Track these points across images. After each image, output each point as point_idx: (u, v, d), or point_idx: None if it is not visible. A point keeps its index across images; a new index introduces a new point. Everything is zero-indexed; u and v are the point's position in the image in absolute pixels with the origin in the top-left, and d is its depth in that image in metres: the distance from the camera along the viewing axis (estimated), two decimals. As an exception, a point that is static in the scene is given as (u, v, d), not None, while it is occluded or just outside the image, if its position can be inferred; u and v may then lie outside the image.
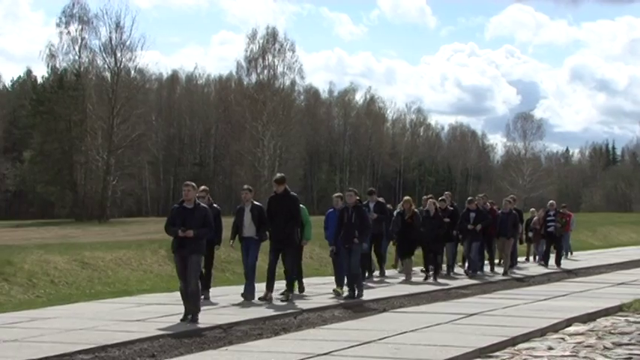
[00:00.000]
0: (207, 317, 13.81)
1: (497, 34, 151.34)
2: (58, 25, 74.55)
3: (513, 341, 11.81)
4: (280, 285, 16.49)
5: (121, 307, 15.12)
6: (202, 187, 16.04)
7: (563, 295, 17.89)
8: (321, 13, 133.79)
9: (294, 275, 16.68)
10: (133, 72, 74.54)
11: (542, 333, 12.67)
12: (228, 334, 12.55)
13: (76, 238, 31.86)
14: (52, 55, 75.54)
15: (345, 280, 16.78)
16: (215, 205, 16.17)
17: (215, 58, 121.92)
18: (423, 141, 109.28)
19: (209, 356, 10.70)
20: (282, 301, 15.80)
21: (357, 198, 17.12)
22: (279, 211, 15.99)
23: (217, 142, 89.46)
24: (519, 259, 27.84)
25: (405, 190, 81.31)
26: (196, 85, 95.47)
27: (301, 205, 16.93)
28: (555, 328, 13.15)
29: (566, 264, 26.96)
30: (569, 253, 30.95)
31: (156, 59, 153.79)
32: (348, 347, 11.10)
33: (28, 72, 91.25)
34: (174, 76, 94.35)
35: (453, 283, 20.07)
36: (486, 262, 23.80)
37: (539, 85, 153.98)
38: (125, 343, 11.53)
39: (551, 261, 26.25)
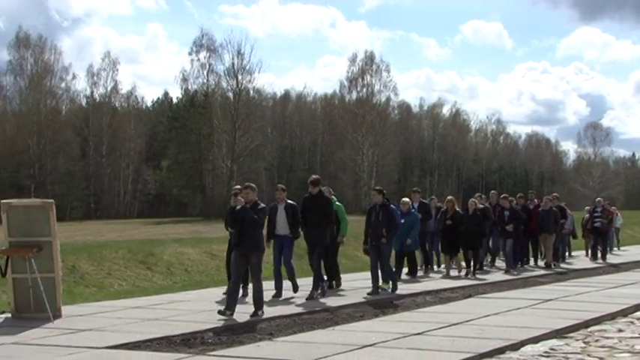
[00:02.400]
0: (313, 302, 13.83)
1: (568, 53, 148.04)
2: (189, 53, 76.20)
3: (586, 324, 11.54)
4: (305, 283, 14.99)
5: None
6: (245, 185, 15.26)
7: (632, 284, 17.39)
8: (411, 38, 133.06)
9: (320, 271, 14.74)
10: (251, 92, 75.63)
11: (612, 317, 12.34)
12: (334, 316, 12.54)
13: (205, 234, 32.34)
14: (184, 79, 77.29)
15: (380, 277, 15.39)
16: (291, 201, 14.72)
17: (320, 78, 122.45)
18: (502, 148, 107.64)
19: (319, 334, 10.72)
20: (314, 298, 14.22)
21: (385, 197, 15.50)
22: (313, 211, 14.46)
23: (323, 151, 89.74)
24: (575, 253, 27.00)
25: (487, 191, 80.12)
26: (305, 102, 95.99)
27: (338, 203, 15.88)
28: (625, 312, 12.81)
29: (611, 258, 25.86)
30: (614, 248, 29.88)
31: (270, 81, 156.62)
32: (438, 328, 10.99)
33: (165, 94, 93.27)
34: (286, 95, 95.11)
35: (490, 278, 18.68)
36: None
37: (606, 98, 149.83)
38: (247, 323, 11.61)
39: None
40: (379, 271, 15.28)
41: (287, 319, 12.05)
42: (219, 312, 11.76)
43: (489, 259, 21.72)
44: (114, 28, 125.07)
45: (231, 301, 11.90)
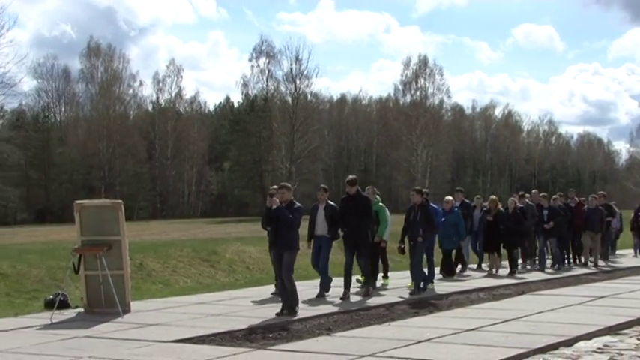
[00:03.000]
0: (372, 298, 13.81)
1: (619, 54, 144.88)
2: (249, 59, 76.55)
3: (639, 321, 11.30)
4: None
5: (302, 289, 15.18)
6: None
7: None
8: (463, 42, 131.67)
9: (369, 272, 14.42)
10: (309, 96, 75.68)
11: (664, 314, 12.07)
12: (390, 312, 12.52)
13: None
14: (245, 84, 77.82)
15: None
16: (332, 202, 14.32)
17: (375, 82, 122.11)
18: (554, 148, 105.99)
19: (375, 330, 10.69)
20: (362, 295, 13.98)
21: (424, 198, 15.09)
22: (352, 212, 13.85)
23: (378, 152, 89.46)
24: (622, 251, 26.22)
25: (540, 190, 78.96)
26: (360, 105, 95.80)
27: (380, 204, 15.36)
28: (677, 309, 12.52)
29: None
30: None
31: (327, 85, 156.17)
32: (493, 324, 10.88)
33: (227, 98, 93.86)
34: (342, 98, 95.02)
35: (530, 277, 18.04)
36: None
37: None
38: (306, 318, 11.68)
39: None
40: (423, 270, 15.02)
41: (344, 315, 12.05)
42: (277, 314, 11.69)
43: (534, 259, 20.85)
44: (178, 36, 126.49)
45: (285, 300, 11.88)
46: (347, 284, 13.85)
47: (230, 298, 13.99)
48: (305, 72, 72.48)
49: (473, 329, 10.44)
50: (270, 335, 10.34)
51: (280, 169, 72.70)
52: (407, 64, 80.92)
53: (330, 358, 8.64)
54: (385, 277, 16.00)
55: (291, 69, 72.79)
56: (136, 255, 16.80)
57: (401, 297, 14.12)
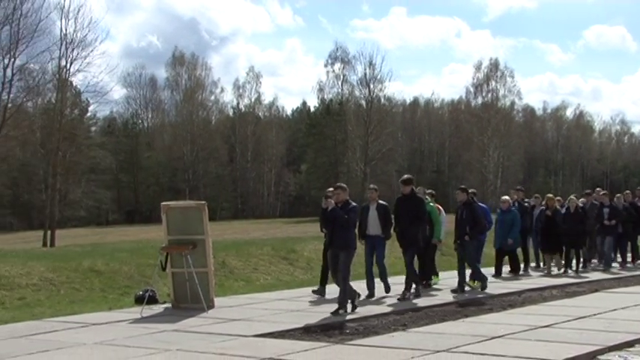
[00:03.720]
0: (444, 295, 13.68)
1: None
2: (325, 65, 77.13)
3: None
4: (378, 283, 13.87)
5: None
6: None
7: None
8: (534, 44, 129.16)
9: (414, 274, 13.59)
10: (382, 99, 75.61)
11: None
12: (464, 309, 12.36)
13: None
14: (321, 89, 78.38)
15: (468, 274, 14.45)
16: (383, 202, 13.67)
17: (447, 85, 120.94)
18: (627, 147, 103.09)
19: (449, 326, 10.57)
20: (398, 299, 13.06)
21: (470, 196, 14.56)
22: (405, 212, 13.25)
23: (450, 153, 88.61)
24: None
25: (612, 189, 77.11)
26: (433, 107, 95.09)
27: (432, 204, 14.75)
28: None
29: None
30: None
31: (400, 89, 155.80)
32: (566, 321, 10.64)
33: (303, 103, 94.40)
34: (415, 102, 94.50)
35: (591, 276, 17.21)
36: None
37: None
38: (381, 314, 11.62)
39: None
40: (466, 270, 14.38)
41: (419, 312, 11.95)
42: (332, 313, 11.37)
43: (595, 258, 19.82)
44: (256, 44, 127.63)
45: (342, 300, 11.55)
46: (407, 285, 13.27)
47: (308, 295, 13.99)
48: (379, 76, 72.61)
49: (546, 326, 10.22)
50: (347, 330, 10.33)
51: (355, 170, 72.74)
52: (478, 67, 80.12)
53: (405, 354, 8.57)
54: (435, 276, 15.34)
55: (365, 74, 72.96)
56: (219, 253, 16.99)
57: (454, 296, 13.69)
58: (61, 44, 47.66)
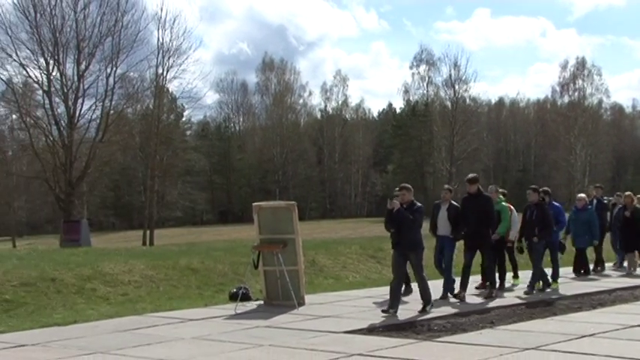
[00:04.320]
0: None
1: None
2: (410, 67, 76.89)
3: None
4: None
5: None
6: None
7: None
8: (621, 41, 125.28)
9: (493, 276, 13.17)
10: (467, 100, 74.70)
11: None
12: (552, 307, 12.08)
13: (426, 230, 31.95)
14: (406, 91, 78.18)
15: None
16: (455, 202, 13.17)
17: (532, 85, 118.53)
18: None
19: (538, 324, 10.35)
20: (484, 297, 12.73)
21: (541, 196, 13.85)
22: (472, 211, 12.64)
23: (536, 153, 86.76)
24: None
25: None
26: (518, 107, 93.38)
27: (503, 203, 13.94)
28: None
29: None
30: None
31: (485, 89, 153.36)
32: (658, 320, 10.28)
33: (389, 105, 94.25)
34: (500, 102, 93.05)
35: None
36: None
37: None
38: (469, 312, 11.46)
39: None
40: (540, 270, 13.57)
41: (507, 309, 11.74)
42: (383, 311, 11.06)
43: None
44: (343, 48, 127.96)
45: (394, 300, 11.18)
46: (463, 284, 12.76)
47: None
48: (463, 77, 71.80)
49: (637, 325, 9.89)
50: (435, 327, 10.24)
51: (441, 170, 72.10)
52: (564, 66, 78.35)
53: (493, 351, 8.44)
54: (515, 277, 14.81)
55: (450, 75, 72.24)
56: (308, 252, 17.07)
57: (519, 297, 13.04)
58: (158, 53, 49.07)
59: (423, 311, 11.20)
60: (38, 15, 42.32)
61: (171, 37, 49.53)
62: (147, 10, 56.37)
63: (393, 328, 10.21)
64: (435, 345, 9.03)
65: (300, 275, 12.65)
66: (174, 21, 50.31)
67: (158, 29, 49.66)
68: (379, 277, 17.47)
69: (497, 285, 13.35)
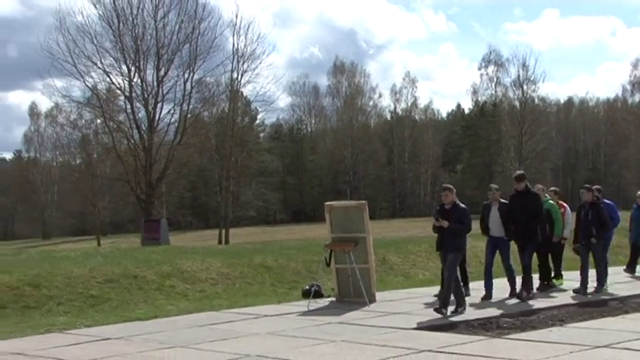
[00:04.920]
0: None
1: None
2: (479, 68, 75.99)
3: None
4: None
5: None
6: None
7: None
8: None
9: (530, 270, 12.40)
10: (536, 100, 73.40)
11: None
12: (624, 305, 11.75)
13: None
14: (474, 92, 77.26)
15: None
16: (505, 201, 12.52)
17: (601, 84, 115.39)
18: None
19: (608, 322, 10.11)
20: (518, 298, 12.18)
21: (596, 195, 13.16)
22: (520, 209, 12.17)
23: (606, 152, 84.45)
24: None
25: None
26: (587, 106, 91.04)
27: (551, 202, 13.51)
28: None
29: None
30: None
31: (553, 89, 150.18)
32: None
33: (458, 105, 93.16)
34: (569, 101, 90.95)
35: None
36: None
37: None
38: (538, 309, 11.30)
39: None
40: (589, 272, 12.86)
41: (576, 307, 11.50)
42: (435, 310, 10.71)
43: None
44: (411, 50, 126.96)
45: (444, 299, 10.85)
46: (525, 283, 12.31)
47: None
48: (532, 78, 70.54)
49: None
50: (505, 325, 10.09)
51: (509, 169, 70.86)
52: (635, 65, 76.28)
53: (564, 349, 8.27)
54: (558, 277, 14.01)
55: (519, 75, 71.14)
56: (379, 250, 17.05)
57: (572, 298, 12.54)
58: (233, 58, 49.61)
59: (456, 312, 10.82)
60: (121, 24, 43.43)
61: (246, 42, 50.07)
62: (222, 17, 57.10)
63: (462, 325, 10.11)
64: (504, 342, 8.90)
65: (371, 273, 12.64)
66: (248, 27, 50.75)
67: (233, 35, 50.24)
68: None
69: (537, 285, 12.76)
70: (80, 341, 9.44)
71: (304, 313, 11.44)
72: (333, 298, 12.83)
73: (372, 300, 12.36)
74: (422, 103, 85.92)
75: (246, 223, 70.57)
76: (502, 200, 12.56)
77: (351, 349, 8.64)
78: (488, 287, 12.42)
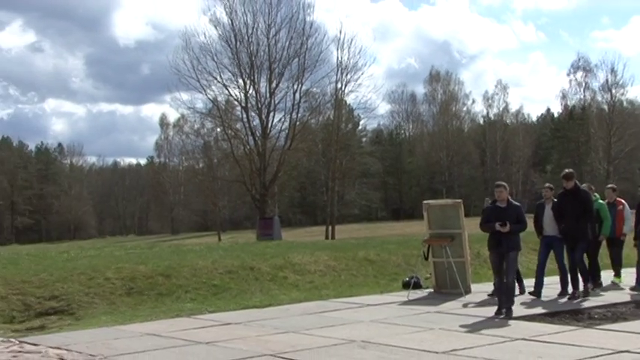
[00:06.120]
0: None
1: None
2: (567, 74, 73.40)
3: None
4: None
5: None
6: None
7: None
8: None
9: (584, 267, 11.62)
10: (624, 103, 70.49)
11: None
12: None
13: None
14: (563, 97, 74.69)
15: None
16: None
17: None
18: None
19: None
20: (568, 298, 11.34)
21: None
22: (571, 206, 11.18)
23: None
24: None
25: None
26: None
27: (600, 201, 12.46)
28: None
29: None
30: None
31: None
32: None
33: (547, 110, 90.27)
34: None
35: None
36: None
37: None
38: (629, 302, 10.87)
39: None
40: None
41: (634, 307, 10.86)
42: (496, 313, 9.83)
43: None
44: (502, 59, 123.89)
45: (502, 300, 9.98)
46: (574, 284, 11.46)
47: (548, 284, 13.26)
48: (620, 82, 67.58)
49: None
50: (596, 316, 9.73)
51: (598, 169, 68.34)
52: None
53: (654, 340, 7.89)
54: (617, 275, 13.03)
55: (607, 80, 68.26)
56: (474, 245, 16.72)
57: (629, 294, 11.71)
58: (337, 70, 49.78)
59: (499, 314, 9.84)
60: (238, 42, 44.43)
61: (349, 56, 50.11)
62: (327, 33, 57.25)
63: (554, 315, 9.81)
64: (595, 332, 8.58)
65: (467, 266, 12.48)
66: (351, 42, 50.72)
67: (337, 49, 50.38)
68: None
69: (585, 284, 11.58)
70: (205, 325, 9.72)
71: (404, 303, 11.39)
72: (431, 289, 12.74)
73: (468, 291, 12.20)
74: (513, 108, 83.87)
75: (350, 220, 70.78)
76: (555, 200, 11.68)
77: (448, 337, 8.53)
78: (538, 285, 11.60)
